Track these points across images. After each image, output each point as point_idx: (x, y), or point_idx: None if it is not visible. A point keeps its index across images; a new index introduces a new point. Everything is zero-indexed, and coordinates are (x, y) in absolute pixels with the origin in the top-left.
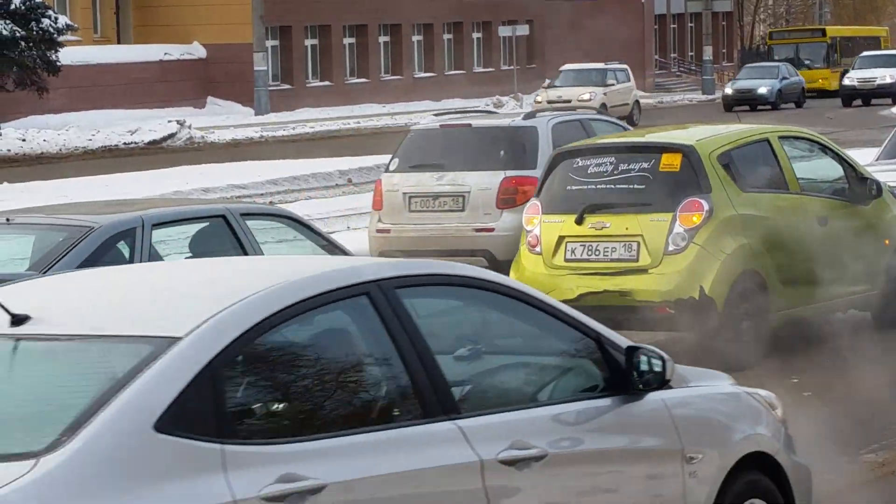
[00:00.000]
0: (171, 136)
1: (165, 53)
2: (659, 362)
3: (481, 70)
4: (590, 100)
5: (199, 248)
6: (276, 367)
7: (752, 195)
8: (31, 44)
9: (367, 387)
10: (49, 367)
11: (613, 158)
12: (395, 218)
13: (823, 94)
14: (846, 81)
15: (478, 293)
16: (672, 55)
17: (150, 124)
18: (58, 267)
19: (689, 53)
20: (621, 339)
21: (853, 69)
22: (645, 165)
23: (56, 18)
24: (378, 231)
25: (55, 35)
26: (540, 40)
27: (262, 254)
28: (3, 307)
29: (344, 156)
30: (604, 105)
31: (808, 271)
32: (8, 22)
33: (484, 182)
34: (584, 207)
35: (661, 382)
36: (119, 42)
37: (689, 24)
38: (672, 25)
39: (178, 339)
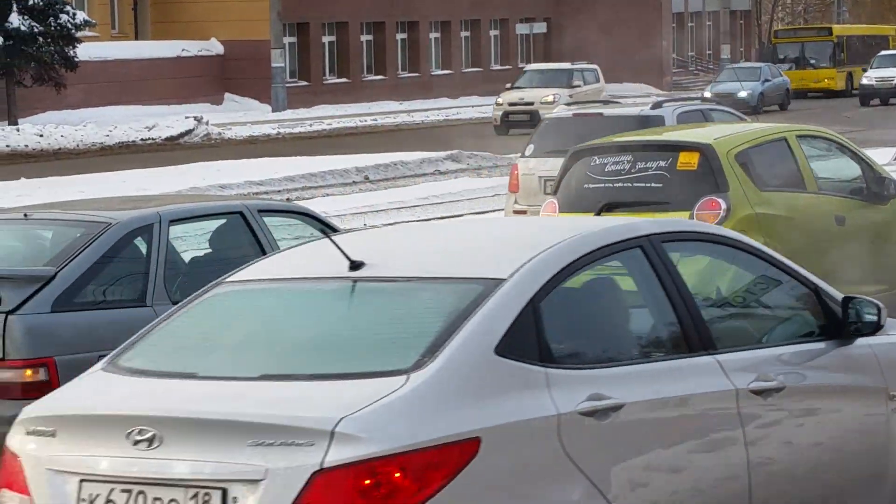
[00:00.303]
0: (189, 132)
1: (183, 50)
2: (874, 310)
3: (498, 67)
4: (553, 101)
5: (217, 244)
6: (579, 304)
7: (769, 194)
8: (48, 39)
9: (645, 324)
10: (392, 304)
11: (631, 157)
12: (530, 200)
13: (830, 94)
14: (864, 81)
15: (720, 248)
16: (690, 53)
17: (167, 120)
18: (75, 263)
19: (707, 52)
20: (835, 291)
21: (871, 68)
22: (662, 164)
23: (74, 14)
24: (514, 212)
25: (73, 31)
26: (557, 38)
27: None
28: (344, 254)
29: (361, 153)
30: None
31: (825, 271)
32: (26, 17)
33: None
34: (601, 206)
35: (875, 329)
36: (137, 38)
37: (707, 22)
38: (690, 24)
39: (504, 280)
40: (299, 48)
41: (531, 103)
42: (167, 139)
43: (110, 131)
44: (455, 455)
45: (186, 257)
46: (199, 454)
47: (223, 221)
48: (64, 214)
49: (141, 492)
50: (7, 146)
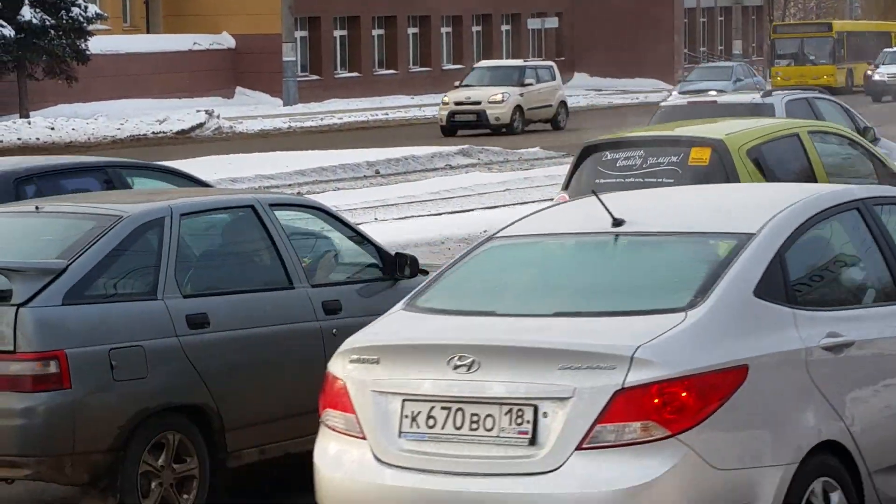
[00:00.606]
0: (200, 125)
1: (195, 43)
2: None
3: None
4: (501, 101)
5: (228, 237)
6: (813, 256)
7: None
8: (60, 32)
9: (864, 275)
10: (657, 254)
11: (642, 152)
12: None
13: (829, 91)
14: (875, 77)
15: None
16: (701, 49)
17: (178, 114)
18: (86, 256)
19: (719, 47)
20: None
21: (883, 65)
22: (674, 159)
23: (86, 7)
24: None
25: (85, 24)
26: (569, 33)
27: (291, 244)
28: (609, 212)
29: (372, 147)
30: (519, 108)
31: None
32: (38, 10)
33: None
34: None
35: None
36: (148, 31)
37: (720, 17)
38: (702, 19)
39: (754, 234)
40: (311, 42)
41: (478, 103)
42: (178, 133)
43: (121, 125)
44: (729, 379)
45: (197, 251)
46: (513, 377)
47: (234, 215)
48: (75, 207)
49: (459, 409)
50: (18, 139)
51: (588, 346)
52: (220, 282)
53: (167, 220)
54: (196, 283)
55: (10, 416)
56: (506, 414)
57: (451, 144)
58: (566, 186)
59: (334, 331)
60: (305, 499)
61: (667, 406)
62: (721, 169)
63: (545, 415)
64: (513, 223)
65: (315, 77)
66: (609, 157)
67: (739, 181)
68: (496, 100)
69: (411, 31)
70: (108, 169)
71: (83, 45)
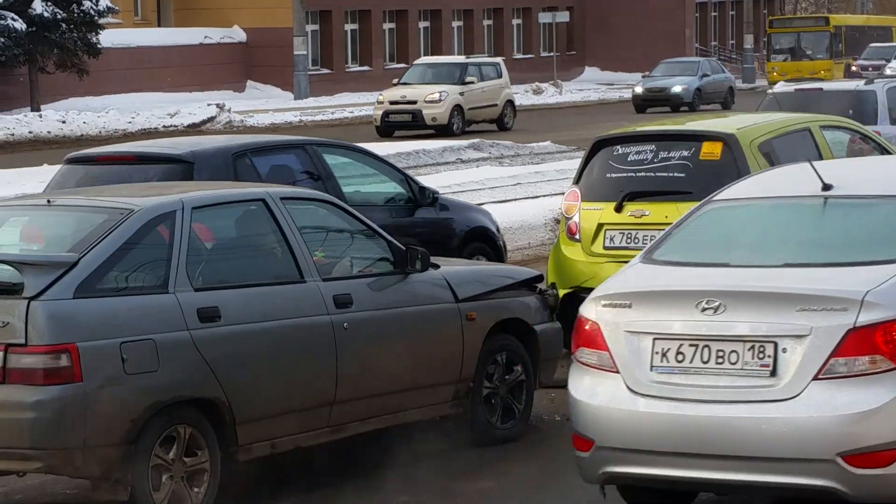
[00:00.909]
0: (211, 119)
1: (206, 37)
2: None
3: (521, 56)
4: (439, 100)
5: (240, 231)
6: None
7: None
8: (71, 26)
9: None
10: (868, 215)
11: (654, 146)
12: None
13: None
14: (888, 71)
15: None
16: (713, 43)
17: (189, 107)
18: (97, 249)
19: (730, 41)
20: None
21: (895, 59)
22: (685, 153)
23: (97, 1)
24: None
25: (96, 17)
26: (580, 27)
27: (302, 238)
28: (819, 178)
29: (382, 142)
30: (459, 107)
31: None
32: (49, 4)
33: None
34: (623, 195)
35: None
36: (159, 25)
37: (731, 11)
38: (713, 13)
39: None
40: (322, 36)
41: (414, 102)
42: (189, 126)
43: (132, 118)
44: None
45: (209, 244)
46: (756, 318)
47: (245, 208)
48: (87, 201)
49: (706, 346)
50: (30, 132)
51: (823, 291)
52: (231, 275)
53: (179, 214)
54: (207, 277)
55: (21, 409)
56: (749, 350)
57: (462, 138)
58: (577, 181)
59: (345, 324)
60: (316, 492)
61: (891, 343)
62: (732, 163)
63: (784, 350)
64: (728, 186)
65: (326, 71)
66: (620, 152)
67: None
68: (433, 99)
69: (422, 24)
70: (308, 147)
71: (94, 39)
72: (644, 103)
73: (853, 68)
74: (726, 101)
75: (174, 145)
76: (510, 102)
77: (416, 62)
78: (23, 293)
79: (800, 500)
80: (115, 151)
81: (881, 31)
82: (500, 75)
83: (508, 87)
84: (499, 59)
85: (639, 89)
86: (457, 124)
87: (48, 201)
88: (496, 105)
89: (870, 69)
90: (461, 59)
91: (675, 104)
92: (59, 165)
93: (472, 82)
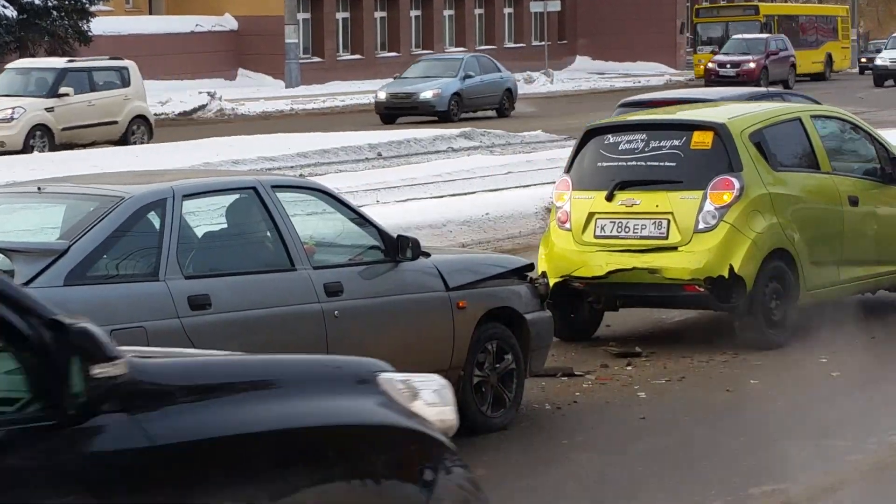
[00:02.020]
0: (202, 107)
1: (197, 25)
2: None
3: (512, 45)
4: (10, 119)
5: (230, 219)
6: None
7: (783, 174)
8: (63, 13)
9: None
10: None
11: (645, 135)
12: None
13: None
14: (878, 61)
15: None
16: None
17: (180, 95)
18: (88, 237)
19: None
20: None
21: (886, 49)
22: (676, 143)
23: None
24: None
25: (87, 5)
26: (571, 16)
27: (293, 226)
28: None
29: (374, 129)
30: (43, 127)
31: (838, 251)
32: None
33: None
34: (614, 184)
35: None
36: (151, 13)
37: (721, 1)
38: (705, 3)
39: None
40: (313, 24)
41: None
42: (180, 114)
43: None
44: None
45: (199, 232)
46: None
47: (236, 196)
48: (77, 188)
49: None
50: None
51: None
52: (221, 263)
53: (169, 202)
54: (198, 265)
55: None
56: None
57: (453, 127)
58: (568, 170)
59: (336, 312)
60: None
61: None
62: (723, 152)
63: None
64: None
65: (317, 59)
66: (611, 141)
67: (742, 165)
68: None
69: (413, 13)
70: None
71: (85, 27)
72: (389, 112)
73: (709, 66)
74: (502, 107)
75: None
76: (142, 118)
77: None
78: (13, 280)
79: None
80: None
81: (822, 21)
82: (125, 83)
83: (139, 99)
84: (126, 63)
85: (382, 94)
86: (38, 146)
87: (38, 188)
88: (115, 123)
89: (727, 65)
90: (60, 62)
91: (424, 112)
92: (50, 153)
93: (68, 95)
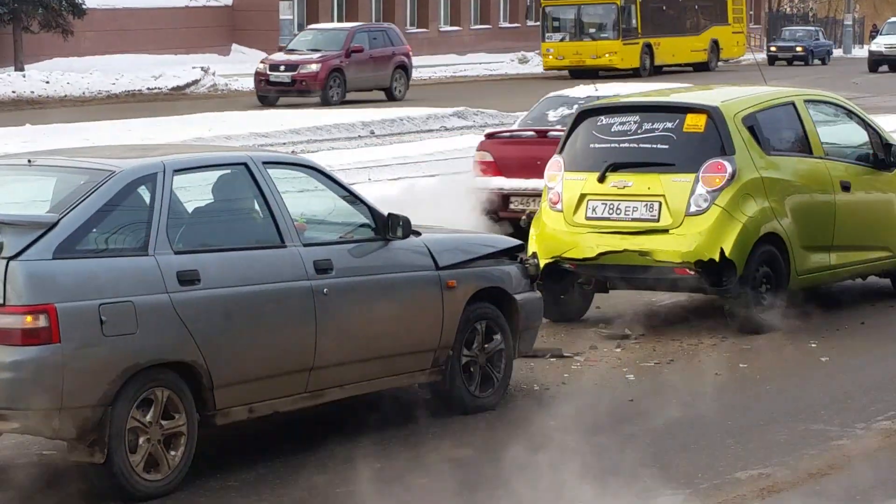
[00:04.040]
0: (195, 82)
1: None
2: None
3: (507, 25)
4: None
5: (220, 195)
6: None
7: (775, 158)
8: None
9: None
10: None
11: (637, 118)
12: None
13: (620, 73)
14: (873, 47)
15: None
16: None
17: (174, 70)
18: (78, 210)
19: None
20: None
21: (881, 34)
22: (669, 125)
23: None
24: None
25: None
26: None
27: (283, 203)
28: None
29: (367, 107)
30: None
31: (829, 236)
32: None
33: None
34: (606, 166)
35: None
36: None
37: None
38: None
39: None
40: (308, 0)
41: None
42: (173, 89)
43: (116, 79)
44: None
45: (189, 207)
46: None
47: (227, 172)
48: (68, 161)
49: None
50: (13, 92)
51: None
52: (211, 239)
53: (159, 176)
54: (187, 240)
55: None
56: None
57: (447, 106)
58: (561, 150)
59: (325, 290)
60: (290, 458)
61: None
62: (716, 135)
63: None
64: None
65: None
66: (604, 122)
67: (734, 148)
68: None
69: None
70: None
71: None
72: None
73: (259, 67)
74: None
75: None
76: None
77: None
78: (1, 253)
79: None
80: None
81: (705, 2)
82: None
83: None
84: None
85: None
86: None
87: (28, 161)
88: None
89: (282, 67)
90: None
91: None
92: (41, 126)
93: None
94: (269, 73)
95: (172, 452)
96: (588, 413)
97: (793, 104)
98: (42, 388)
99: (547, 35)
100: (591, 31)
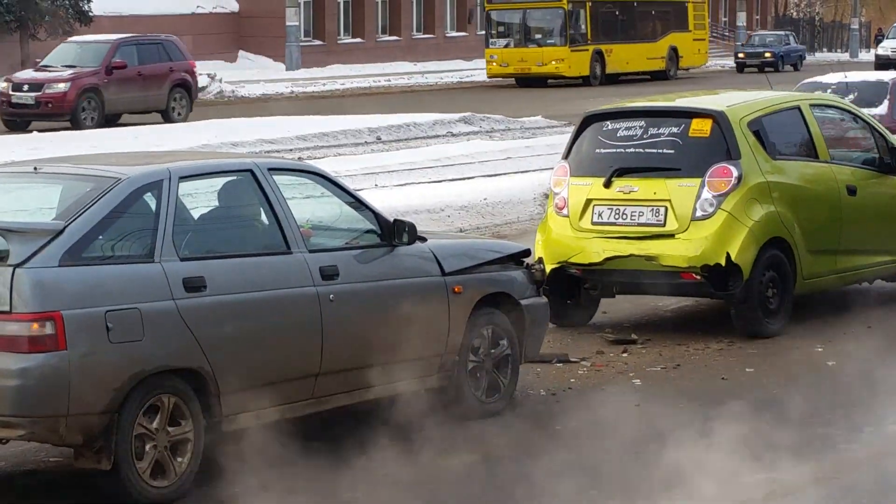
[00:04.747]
0: (202, 89)
1: (198, 6)
2: None
3: None
4: None
5: (226, 201)
6: None
7: (781, 163)
8: None
9: None
10: None
11: (643, 123)
12: None
13: (570, 82)
14: (880, 51)
15: None
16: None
17: None
18: (84, 217)
19: (723, 19)
20: None
21: (887, 38)
22: (675, 130)
23: None
24: None
25: None
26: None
27: (289, 209)
28: None
29: (374, 113)
30: None
31: (835, 240)
32: None
33: None
34: (612, 171)
35: None
36: None
37: None
38: None
39: None
40: (314, 7)
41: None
42: None
43: None
44: None
45: (195, 214)
46: None
47: (233, 179)
48: (74, 169)
49: None
50: None
51: None
52: (217, 245)
53: (165, 183)
54: (193, 247)
55: (5, 376)
56: None
57: (453, 112)
58: (566, 156)
59: (331, 296)
60: (297, 464)
61: None
62: (722, 140)
63: None
64: None
65: (318, 42)
66: (610, 127)
67: (740, 153)
68: None
69: None
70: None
71: (86, 7)
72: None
73: (1, 85)
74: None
75: None
76: None
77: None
78: (8, 260)
79: None
80: None
81: (661, 7)
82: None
83: None
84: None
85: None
86: None
87: (35, 168)
88: None
89: (25, 87)
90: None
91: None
92: (48, 133)
93: None
94: (11, 93)
95: (179, 459)
96: (594, 418)
97: (798, 108)
98: (48, 395)
99: (491, 41)
100: (538, 36)
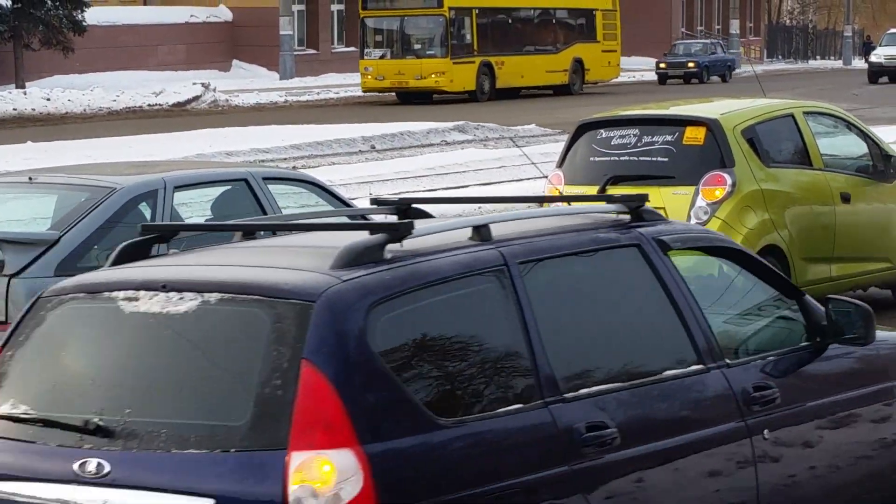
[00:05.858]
0: (196, 98)
1: (192, 16)
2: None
3: None
4: None
5: (221, 211)
6: None
7: (775, 170)
8: (57, 3)
9: None
10: None
11: (637, 131)
12: None
13: (452, 98)
14: (873, 59)
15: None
16: (699, 28)
17: (174, 86)
18: (79, 227)
19: (716, 27)
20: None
21: (881, 46)
22: (669, 138)
23: None
24: None
25: None
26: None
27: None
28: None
29: (368, 122)
30: None
31: (829, 248)
32: None
33: None
34: (606, 179)
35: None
36: (145, 3)
37: None
38: None
39: None
40: (308, 16)
41: None
42: (174, 105)
43: (117, 96)
44: None
45: (190, 223)
46: None
47: (228, 188)
48: (69, 179)
49: None
50: (14, 109)
51: None
52: None
53: (160, 193)
54: None
55: None
56: None
57: (447, 120)
58: (560, 164)
59: None
60: None
61: None
62: (715, 148)
63: None
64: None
65: (312, 51)
66: (604, 136)
67: (734, 160)
68: None
69: None
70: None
71: (80, 16)
72: None
73: None
74: None
75: None
76: None
77: None
78: (3, 271)
79: None
80: None
81: (564, 16)
82: None
83: None
84: None
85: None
86: None
87: (30, 178)
88: None
89: None
90: None
91: None
92: (43, 143)
93: None
94: None
95: None
96: None
97: (792, 116)
98: None
99: (366, 51)
100: (417, 47)
